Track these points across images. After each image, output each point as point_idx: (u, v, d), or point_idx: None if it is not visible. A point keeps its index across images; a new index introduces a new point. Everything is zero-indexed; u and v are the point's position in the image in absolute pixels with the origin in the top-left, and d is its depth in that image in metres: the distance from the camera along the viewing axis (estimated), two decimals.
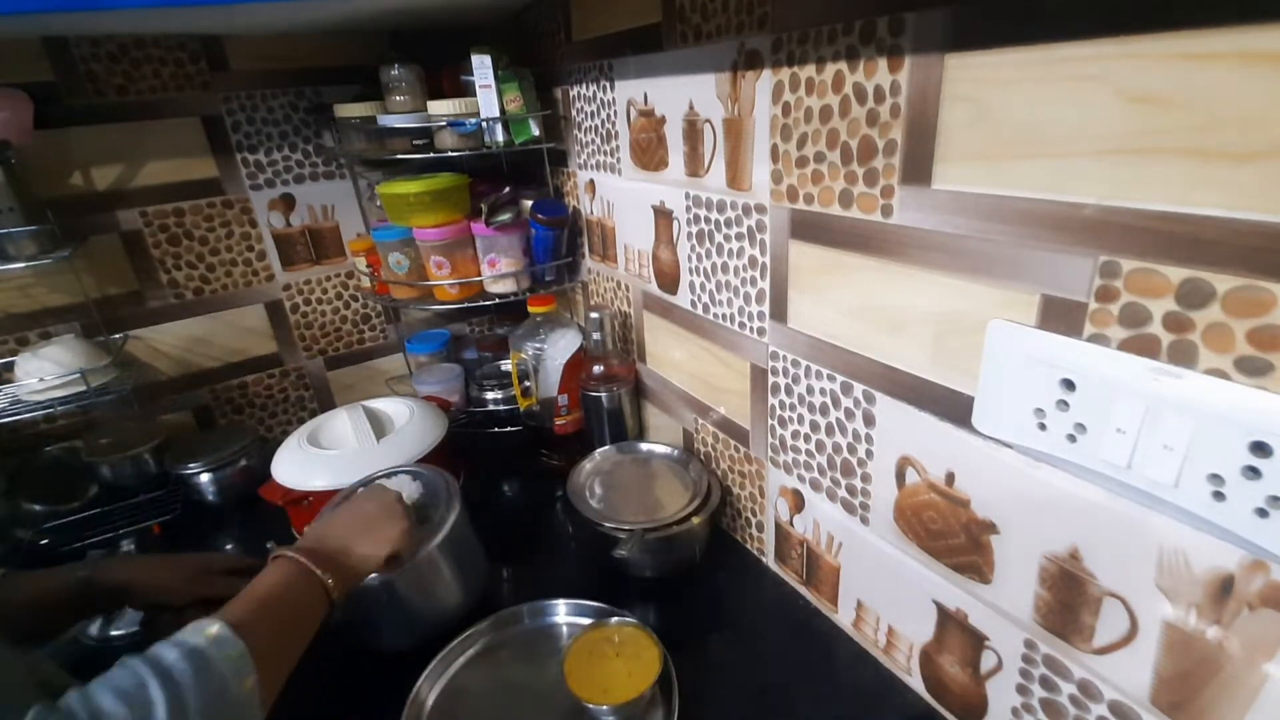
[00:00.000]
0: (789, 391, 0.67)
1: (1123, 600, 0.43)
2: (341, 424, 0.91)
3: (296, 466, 0.85)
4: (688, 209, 0.75)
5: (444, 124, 0.91)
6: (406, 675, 0.65)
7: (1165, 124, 0.34)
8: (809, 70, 0.54)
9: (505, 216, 0.96)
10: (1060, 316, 0.41)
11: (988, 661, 0.54)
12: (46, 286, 0.95)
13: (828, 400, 0.63)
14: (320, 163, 1.10)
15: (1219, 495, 0.35)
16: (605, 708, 0.58)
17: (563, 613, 0.72)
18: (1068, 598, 0.46)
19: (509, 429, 1.10)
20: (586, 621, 0.69)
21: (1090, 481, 0.42)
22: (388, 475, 0.76)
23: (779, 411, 0.70)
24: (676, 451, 0.88)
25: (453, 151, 0.92)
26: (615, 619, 0.67)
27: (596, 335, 0.93)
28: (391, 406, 0.97)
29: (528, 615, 0.72)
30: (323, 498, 0.83)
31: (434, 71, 0.95)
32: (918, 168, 0.47)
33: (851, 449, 0.62)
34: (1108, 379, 0.39)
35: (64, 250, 0.85)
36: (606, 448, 0.91)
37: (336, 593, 0.55)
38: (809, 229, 0.59)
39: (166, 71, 0.96)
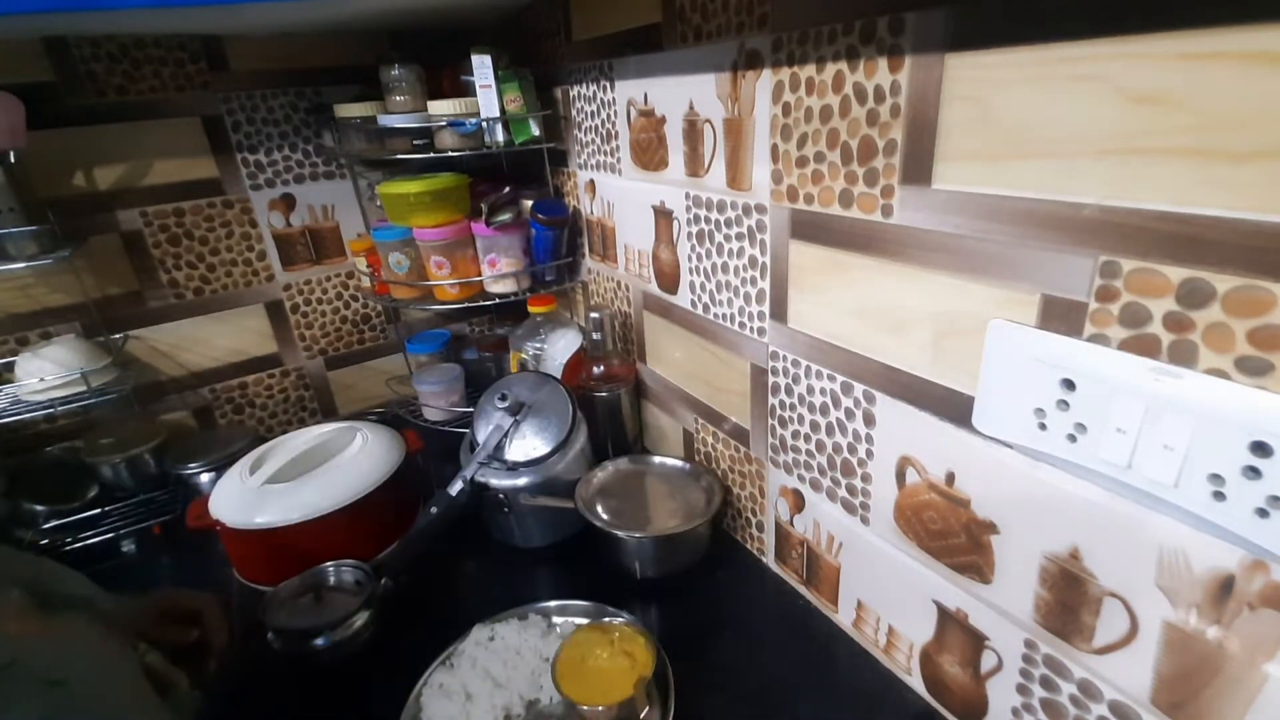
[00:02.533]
0: (789, 391, 0.67)
1: (1123, 600, 0.42)
2: (284, 453, 0.85)
3: (236, 501, 0.78)
4: (688, 209, 0.75)
5: (444, 124, 0.91)
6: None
7: (1165, 124, 0.34)
8: (809, 70, 0.54)
9: (505, 216, 0.96)
10: (1060, 316, 0.41)
11: (988, 661, 0.54)
12: (47, 286, 0.95)
13: (828, 400, 0.63)
14: (320, 163, 1.10)
15: (1219, 495, 0.35)
16: (599, 709, 0.57)
17: (556, 614, 0.72)
18: (1068, 598, 0.46)
19: None
20: (581, 621, 0.69)
21: (1090, 481, 0.42)
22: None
23: (779, 411, 0.70)
24: (688, 466, 0.86)
25: (453, 151, 0.92)
26: (606, 618, 0.66)
27: (596, 335, 0.93)
28: (341, 436, 0.88)
29: (522, 616, 0.71)
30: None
31: (434, 71, 0.95)
32: (918, 168, 0.47)
33: (852, 449, 0.62)
34: (1108, 379, 0.39)
35: (64, 250, 0.85)
36: (620, 459, 0.88)
37: None
38: (809, 229, 0.59)
39: (166, 71, 0.96)
